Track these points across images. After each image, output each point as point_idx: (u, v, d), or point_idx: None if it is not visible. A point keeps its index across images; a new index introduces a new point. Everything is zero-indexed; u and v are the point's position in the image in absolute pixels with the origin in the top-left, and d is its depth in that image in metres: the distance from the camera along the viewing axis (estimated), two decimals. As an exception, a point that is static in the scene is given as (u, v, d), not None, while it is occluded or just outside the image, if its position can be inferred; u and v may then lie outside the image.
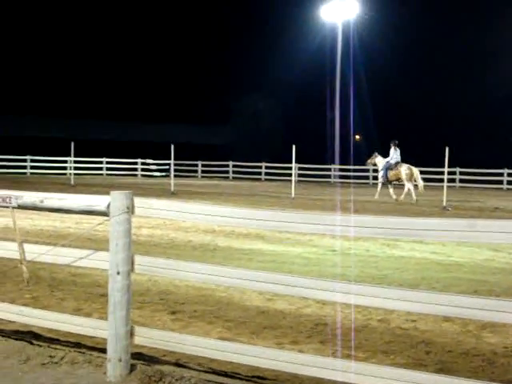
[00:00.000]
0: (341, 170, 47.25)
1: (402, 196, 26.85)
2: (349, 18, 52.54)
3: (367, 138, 66.56)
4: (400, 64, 71.20)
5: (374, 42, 63.70)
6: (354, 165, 45.63)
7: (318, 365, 4.97)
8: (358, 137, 71.09)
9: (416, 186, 26.87)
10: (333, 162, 50.70)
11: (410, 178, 26.77)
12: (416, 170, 27.06)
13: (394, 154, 27.56)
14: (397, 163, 27.28)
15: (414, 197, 26.20)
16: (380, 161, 28.16)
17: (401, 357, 6.40)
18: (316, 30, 58.11)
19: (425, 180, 42.04)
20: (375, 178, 45.75)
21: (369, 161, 29.49)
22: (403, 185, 27.21)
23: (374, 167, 31.54)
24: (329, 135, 56.13)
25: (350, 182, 41.67)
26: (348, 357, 6.09)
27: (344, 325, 7.28)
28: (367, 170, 46.13)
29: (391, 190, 27.33)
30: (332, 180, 45.26)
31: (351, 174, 44.85)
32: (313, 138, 59.69)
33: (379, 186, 28.42)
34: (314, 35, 59.49)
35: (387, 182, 27.47)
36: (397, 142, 27.66)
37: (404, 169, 26.83)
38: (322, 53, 60.99)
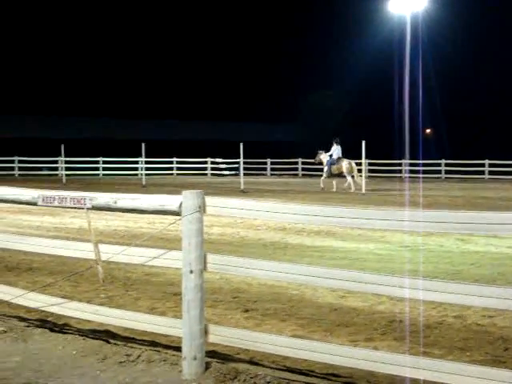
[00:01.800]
0: (411, 164, 46.59)
1: (345, 185, 29.85)
2: (417, 10, 51.72)
3: (436, 132, 65.58)
4: (470, 56, 69.90)
5: (443, 34, 62.70)
6: (424, 159, 45.02)
7: (394, 362, 4.91)
8: (427, 131, 70.09)
9: (353, 177, 29.94)
10: (402, 157, 49.99)
11: (350, 171, 29.96)
12: (354, 165, 30.19)
13: (336, 149, 30.68)
14: (338, 158, 30.46)
15: (353, 187, 29.35)
16: (324, 157, 31.11)
17: (478, 353, 6.27)
18: (383, 24, 57.46)
19: (497, 173, 41.50)
20: (447, 172, 45.23)
21: (316, 158, 32.29)
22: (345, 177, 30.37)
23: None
24: (397, 130, 55.43)
25: (419, 177, 41.03)
26: (423, 354, 5.99)
27: (418, 321, 7.17)
28: (439, 165, 45.42)
29: (334, 182, 30.38)
30: (403, 175, 44.63)
31: (421, 168, 44.23)
32: (381, 133, 59.05)
33: (322, 178, 31.09)
34: (382, 29, 58.85)
35: (330, 175, 30.55)
36: (338, 139, 30.92)
37: (345, 163, 30.04)
38: (389, 46, 60.26)
